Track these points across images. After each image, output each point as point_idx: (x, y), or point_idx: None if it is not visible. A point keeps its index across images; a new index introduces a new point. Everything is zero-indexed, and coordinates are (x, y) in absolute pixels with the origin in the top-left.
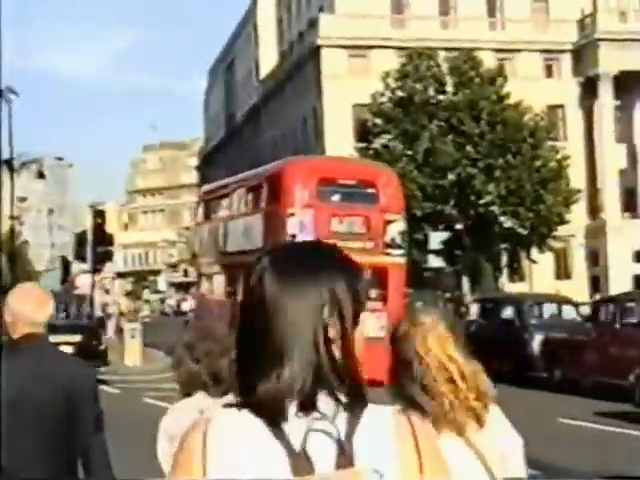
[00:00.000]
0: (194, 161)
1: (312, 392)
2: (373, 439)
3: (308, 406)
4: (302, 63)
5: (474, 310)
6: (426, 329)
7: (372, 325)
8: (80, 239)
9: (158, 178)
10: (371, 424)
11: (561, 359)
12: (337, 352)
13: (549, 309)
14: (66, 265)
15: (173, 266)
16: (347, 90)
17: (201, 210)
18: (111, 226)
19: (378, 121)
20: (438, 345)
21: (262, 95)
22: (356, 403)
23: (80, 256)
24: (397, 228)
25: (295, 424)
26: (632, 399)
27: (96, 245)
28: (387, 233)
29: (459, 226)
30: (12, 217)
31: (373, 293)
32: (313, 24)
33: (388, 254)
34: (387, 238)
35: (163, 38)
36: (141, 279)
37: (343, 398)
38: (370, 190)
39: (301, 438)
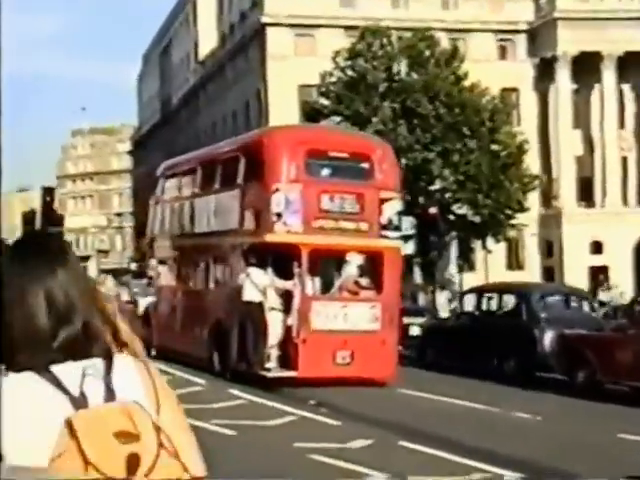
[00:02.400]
0: (125, 147)
1: (84, 348)
2: (125, 378)
3: (79, 358)
4: (245, 43)
5: (469, 301)
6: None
7: (365, 317)
8: (28, 219)
9: (88, 163)
10: (122, 367)
11: (585, 359)
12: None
13: (556, 301)
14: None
15: (104, 252)
16: (293, 71)
17: (160, 187)
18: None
19: (326, 102)
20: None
21: (201, 77)
22: (107, 352)
23: None
24: (393, 207)
25: (68, 373)
26: None
27: (46, 225)
28: (383, 213)
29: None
30: None
31: (364, 281)
32: (256, 3)
33: (384, 236)
34: (383, 219)
35: (93, 22)
36: None
37: (98, 350)
38: (364, 164)
39: (78, 385)
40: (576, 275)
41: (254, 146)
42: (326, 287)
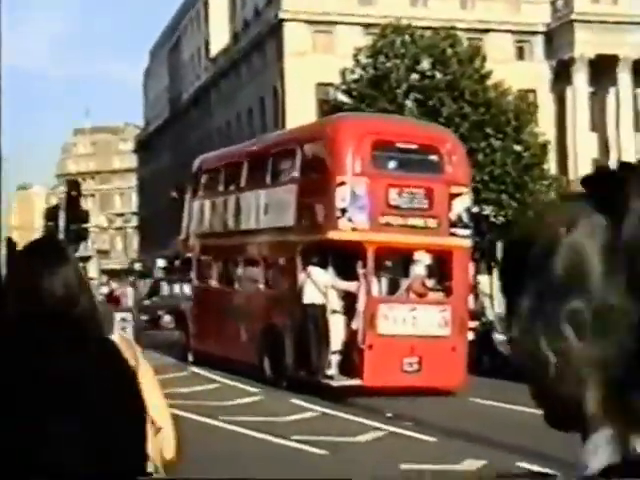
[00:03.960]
0: (127, 146)
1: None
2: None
3: None
4: (261, 40)
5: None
6: None
7: (434, 321)
8: (51, 215)
9: (90, 162)
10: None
11: None
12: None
13: None
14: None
15: (104, 252)
16: (310, 67)
17: (197, 183)
18: (40, 211)
19: (347, 100)
20: None
21: (213, 74)
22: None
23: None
24: (463, 203)
25: None
26: None
27: (70, 222)
28: (452, 209)
29: None
30: None
31: (432, 283)
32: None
33: (453, 234)
34: (452, 215)
35: (98, 21)
36: None
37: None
38: (433, 157)
39: None
40: None
41: (315, 137)
42: (392, 289)
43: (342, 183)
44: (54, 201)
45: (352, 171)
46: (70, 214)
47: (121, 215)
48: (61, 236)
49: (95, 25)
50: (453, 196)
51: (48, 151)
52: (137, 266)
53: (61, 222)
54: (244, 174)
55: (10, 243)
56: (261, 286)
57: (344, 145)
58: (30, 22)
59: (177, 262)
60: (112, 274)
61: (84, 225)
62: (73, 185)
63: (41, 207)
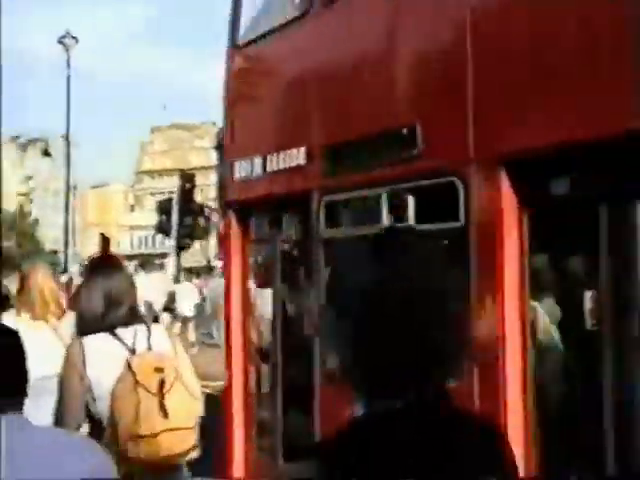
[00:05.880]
0: (205, 143)
1: (131, 320)
2: (159, 338)
3: (130, 324)
4: None
5: None
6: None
7: None
8: (164, 209)
9: (167, 160)
10: (156, 331)
11: None
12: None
13: None
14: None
15: (183, 249)
16: None
17: None
18: (116, 208)
19: None
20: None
21: None
22: (145, 322)
23: (163, 229)
24: None
25: (126, 334)
26: None
27: (183, 216)
28: None
29: None
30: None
31: None
32: None
33: None
34: None
35: (178, 15)
36: (147, 262)
37: (140, 321)
38: None
39: (131, 341)
40: None
41: None
42: None
43: None
44: (131, 199)
45: None
46: (184, 207)
47: None
48: (174, 230)
49: (172, 22)
50: None
51: (126, 148)
52: (219, 264)
53: (174, 216)
54: None
55: (104, 239)
56: None
57: None
58: (107, 20)
59: None
60: (190, 272)
61: (197, 218)
62: (188, 178)
63: (119, 204)
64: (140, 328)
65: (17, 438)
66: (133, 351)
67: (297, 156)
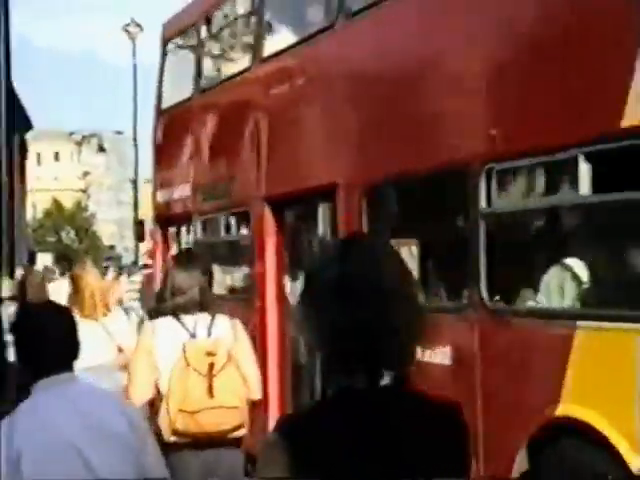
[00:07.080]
0: None
1: (196, 308)
2: (221, 326)
3: (194, 313)
4: None
5: None
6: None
7: None
8: None
9: None
10: (220, 320)
11: None
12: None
13: None
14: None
15: None
16: None
17: None
18: None
19: None
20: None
21: None
22: (211, 311)
23: None
24: None
25: (190, 320)
26: None
27: None
28: None
29: None
30: (82, 190)
31: None
32: None
33: None
34: None
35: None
36: None
37: (205, 309)
38: None
39: (192, 327)
40: None
41: None
42: None
43: None
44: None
45: None
46: None
47: None
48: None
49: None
50: None
51: None
52: None
53: None
54: None
55: (138, 223)
56: None
57: None
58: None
59: None
60: None
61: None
62: None
63: None
64: (202, 316)
65: (71, 389)
66: (193, 335)
67: (184, 189)
